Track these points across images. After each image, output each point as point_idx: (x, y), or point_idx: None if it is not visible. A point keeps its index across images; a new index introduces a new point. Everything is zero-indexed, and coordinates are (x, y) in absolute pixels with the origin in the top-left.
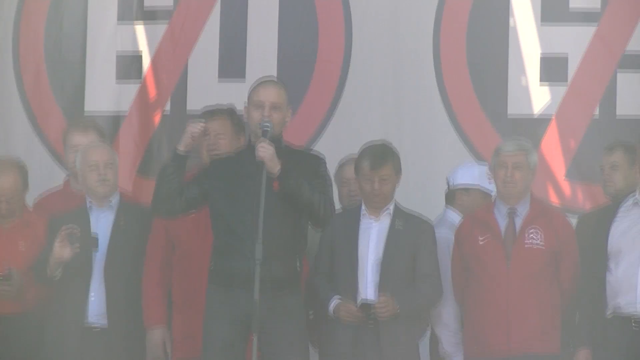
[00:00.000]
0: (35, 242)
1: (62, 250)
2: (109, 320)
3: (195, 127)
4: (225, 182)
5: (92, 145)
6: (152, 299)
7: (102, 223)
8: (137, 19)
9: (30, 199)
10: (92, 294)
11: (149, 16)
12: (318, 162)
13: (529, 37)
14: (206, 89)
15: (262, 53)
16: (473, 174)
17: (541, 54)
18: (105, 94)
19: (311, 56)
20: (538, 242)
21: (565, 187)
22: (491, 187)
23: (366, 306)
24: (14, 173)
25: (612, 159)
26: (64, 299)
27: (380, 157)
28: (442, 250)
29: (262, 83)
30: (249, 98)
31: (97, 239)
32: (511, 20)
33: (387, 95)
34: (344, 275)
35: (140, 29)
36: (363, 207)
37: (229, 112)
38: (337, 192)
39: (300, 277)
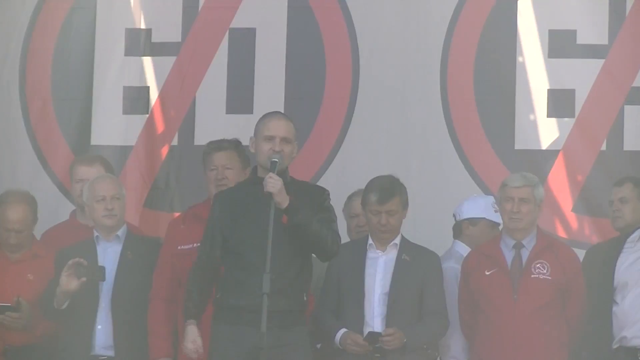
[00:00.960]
0: (43, 274)
1: (69, 282)
2: (115, 351)
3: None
4: (233, 218)
5: (99, 178)
6: (157, 336)
7: (109, 255)
8: (144, 53)
9: (37, 231)
10: (98, 325)
11: (157, 50)
12: (323, 194)
13: (536, 71)
14: (214, 122)
15: (270, 87)
16: (479, 206)
17: (548, 88)
18: (111, 127)
19: (318, 90)
20: (545, 274)
21: (572, 220)
22: (497, 218)
23: (373, 336)
24: (23, 205)
25: (621, 193)
26: (71, 330)
27: (388, 190)
28: (449, 283)
29: (272, 116)
30: (257, 131)
31: (104, 270)
32: (519, 55)
33: (394, 129)
34: (350, 308)
35: (147, 63)
36: (370, 239)
37: (235, 144)
38: (345, 225)
39: (306, 310)
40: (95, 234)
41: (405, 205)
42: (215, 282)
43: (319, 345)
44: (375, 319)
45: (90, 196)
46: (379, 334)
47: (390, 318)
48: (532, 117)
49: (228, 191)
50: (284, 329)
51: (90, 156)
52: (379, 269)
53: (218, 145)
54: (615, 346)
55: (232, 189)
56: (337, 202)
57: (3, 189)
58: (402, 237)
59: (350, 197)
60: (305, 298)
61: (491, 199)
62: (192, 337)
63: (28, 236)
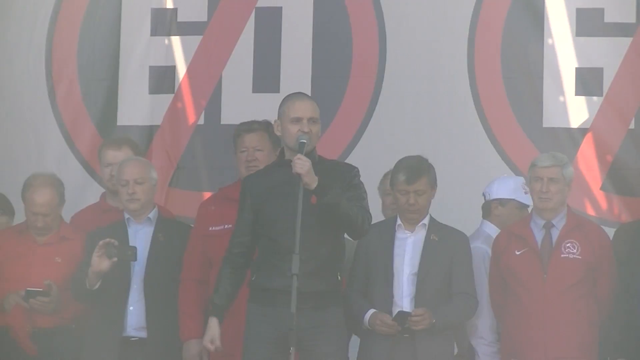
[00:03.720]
0: (71, 256)
1: (100, 262)
2: (148, 332)
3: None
4: (263, 201)
5: (124, 163)
6: (188, 316)
7: (140, 237)
8: (170, 33)
9: (64, 212)
10: (130, 306)
11: (183, 30)
12: (352, 172)
13: (564, 50)
14: (240, 101)
15: (296, 66)
16: (509, 187)
17: (576, 66)
18: (138, 107)
19: (345, 69)
20: (575, 253)
21: (601, 199)
22: (527, 200)
23: (402, 316)
24: (49, 189)
25: None
26: (102, 312)
27: (416, 170)
28: (477, 263)
29: (297, 98)
30: (282, 113)
31: (135, 250)
32: (546, 34)
33: (422, 108)
34: (379, 288)
35: (173, 43)
36: (398, 220)
37: (266, 126)
38: (380, 203)
39: (340, 290)
40: (126, 216)
41: (433, 185)
42: (248, 267)
43: None
44: (404, 299)
45: (117, 180)
46: (408, 313)
47: (418, 298)
48: (560, 95)
49: (256, 175)
50: (318, 310)
51: (118, 139)
52: (408, 249)
53: (248, 127)
54: None
55: (260, 173)
56: (364, 181)
57: (30, 170)
58: (431, 217)
59: (385, 175)
60: (338, 278)
61: (521, 179)
62: (211, 337)
63: (55, 219)
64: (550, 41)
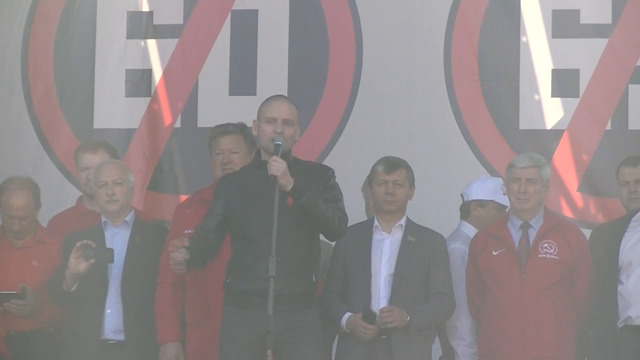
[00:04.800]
0: (48, 260)
1: (77, 264)
2: (125, 335)
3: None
4: (239, 202)
5: (102, 165)
6: (165, 320)
7: (117, 240)
8: (146, 36)
9: (41, 216)
10: (108, 309)
11: (159, 33)
12: (327, 173)
13: (540, 52)
14: (217, 104)
15: (273, 68)
16: (487, 189)
17: (552, 68)
18: (114, 111)
19: (322, 72)
20: (552, 254)
21: (578, 200)
22: (506, 201)
23: (369, 315)
24: (26, 192)
25: (638, 175)
26: (80, 315)
27: (395, 162)
28: (456, 263)
29: (274, 99)
30: (259, 114)
31: (113, 252)
32: (522, 36)
33: (399, 111)
34: (357, 290)
35: (150, 46)
36: (375, 221)
37: (242, 128)
38: (364, 204)
39: (316, 291)
40: (103, 219)
41: (411, 182)
42: (207, 259)
43: None
44: (381, 300)
45: (95, 182)
46: (375, 313)
47: (394, 299)
48: (536, 97)
49: (232, 176)
50: (295, 312)
51: (94, 143)
52: (385, 250)
53: (224, 130)
54: (620, 325)
55: (236, 174)
56: (342, 183)
57: (7, 173)
58: (408, 218)
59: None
60: (314, 280)
61: (500, 180)
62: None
63: (32, 222)
64: (526, 43)
